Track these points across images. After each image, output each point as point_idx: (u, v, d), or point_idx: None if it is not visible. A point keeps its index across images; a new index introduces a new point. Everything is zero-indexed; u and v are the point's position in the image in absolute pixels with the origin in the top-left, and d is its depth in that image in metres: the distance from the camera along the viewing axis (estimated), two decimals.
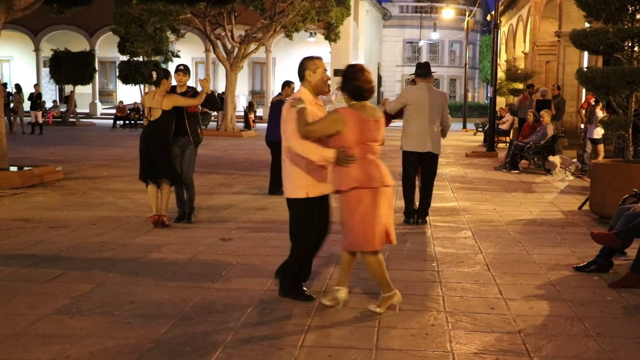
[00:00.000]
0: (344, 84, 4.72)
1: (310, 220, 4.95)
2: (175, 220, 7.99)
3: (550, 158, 13.70)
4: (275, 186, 10.45)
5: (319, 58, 5.01)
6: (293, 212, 4.99)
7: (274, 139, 10.36)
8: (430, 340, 4.33)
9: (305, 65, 4.92)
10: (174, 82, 7.79)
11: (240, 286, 5.46)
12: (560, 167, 13.65)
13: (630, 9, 8.55)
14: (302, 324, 4.57)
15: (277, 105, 10.33)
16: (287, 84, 10.63)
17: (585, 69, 9.59)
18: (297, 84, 10.87)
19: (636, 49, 8.69)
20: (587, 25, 12.91)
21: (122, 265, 6.08)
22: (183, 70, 7.89)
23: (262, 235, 7.45)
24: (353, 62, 5.08)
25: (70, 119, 30.00)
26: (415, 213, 8.31)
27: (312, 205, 4.91)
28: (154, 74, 7.56)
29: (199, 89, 7.89)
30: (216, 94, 11.59)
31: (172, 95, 7.58)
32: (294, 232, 5.03)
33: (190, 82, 8.49)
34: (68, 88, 34.97)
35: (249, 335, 4.35)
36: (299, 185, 4.85)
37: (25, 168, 11.71)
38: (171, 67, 25.01)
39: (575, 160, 13.87)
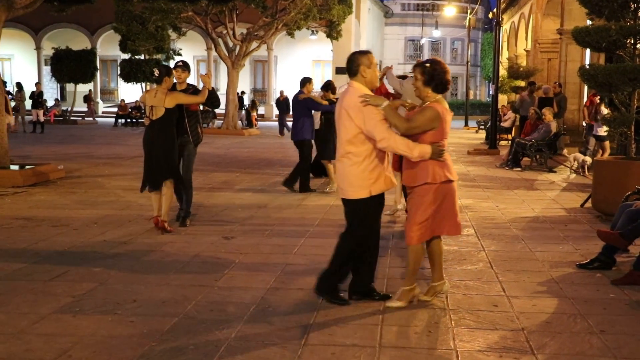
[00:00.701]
0: (433, 78, 4.74)
1: (371, 217, 4.94)
2: (176, 218, 7.87)
3: (566, 152, 13.61)
4: (306, 184, 10.44)
5: (370, 53, 4.99)
6: (354, 212, 4.91)
7: (302, 138, 10.36)
8: (434, 338, 4.33)
9: (360, 61, 4.84)
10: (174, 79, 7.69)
11: (243, 284, 5.45)
12: (574, 162, 13.57)
13: (633, 6, 8.53)
14: (306, 322, 4.56)
15: (303, 103, 10.31)
16: (307, 81, 10.57)
17: (587, 67, 9.56)
18: (294, 79, 10.78)
19: (638, 46, 8.67)
20: (589, 22, 12.88)
21: (125, 263, 6.07)
22: (182, 66, 7.73)
23: (265, 234, 7.45)
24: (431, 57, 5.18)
25: (87, 119, 29.71)
26: None
27: (373, 203, 4.90)
28: (156, 72, 7.40)
29: (200, 85, 7.81)
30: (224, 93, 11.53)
31: (175, 92, 7.43)
32: (352, 232, 4.95)
33: (191, 79, 8.37)
34: (69, 86, 35.00)
35: (252, 333, 4.35)
36: (361, 185, 4.80)
37: (27, 166, 11.70)
38: (173, 65, 24.97)
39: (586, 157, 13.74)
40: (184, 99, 7.46)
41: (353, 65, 4.86)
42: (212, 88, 7.72)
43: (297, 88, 10.71)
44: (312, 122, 10.41)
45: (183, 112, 7.58)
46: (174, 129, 7.44)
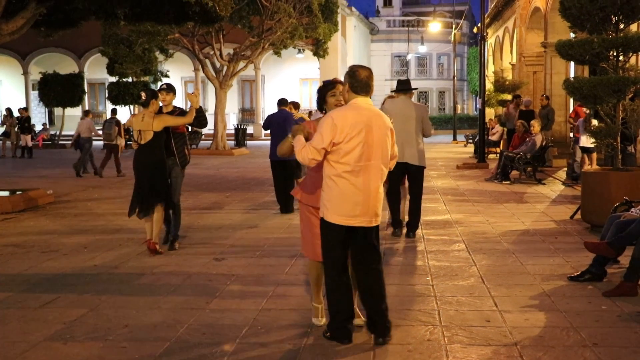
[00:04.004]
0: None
1: None
2: (164, 241, 7.77)
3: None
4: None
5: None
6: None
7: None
8: (427, 355, 4.32)
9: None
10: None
11: (235, 306, 5.43)
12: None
13: (614, 19, 8.63)
14: (299, 344, 4.54)
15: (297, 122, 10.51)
16: (288, 102, 10.77)
17: (572, 79, 9.65)
18: (287, 98, 10.82)
19: (621, 58, 8.76)
20: (572, 35, 13.02)
21: (115, 288, 6.04)
22: (166, 89, 7.62)
23: (256, 254, 7.43)
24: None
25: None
26: (406, 225, 8.35)
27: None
28: (143, 95, 7.36)
29: (188, 104, 7.73)
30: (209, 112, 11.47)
31: (162, 115, 7.39)
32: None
33: (179, 100, 8.32)
34: (58, 110, 34.91)
35: (245, 357, 4.32)
36: None
37: (16, 192, 11.64)
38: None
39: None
40: (171, 121, 7.41)
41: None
42: (200, 107, 7.64)
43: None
44: None
45: (170, 134, 7.53)
46: (163, 152, 7.39)
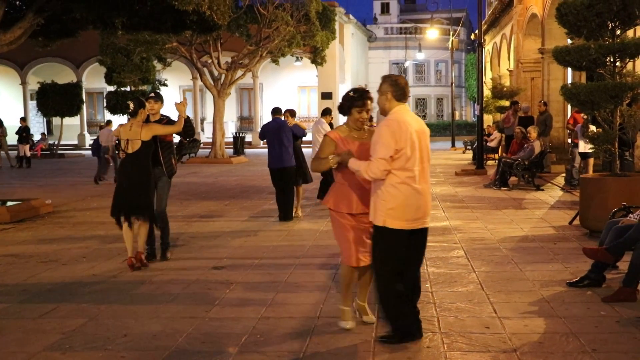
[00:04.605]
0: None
1: None
2: (146, 258, 7.44)
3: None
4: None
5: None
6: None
7: (291, 164, 10.54)
8: None
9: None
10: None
11: (234, 314, 5.42)
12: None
13: (610, 25, 8.66)
14: (298, 351, 4.54)
15: (292, 130, 10.61)
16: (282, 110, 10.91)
17: (569, 85, 9.67)
18: (281, 106, 10.87)
19: (618, 64, 8.79)
20: (569, 41, 13.05)
21: (114, 297, 6.03)
22: (154, 97, 7.56)
23: (255, 262, 7.42)
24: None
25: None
26: None
27: None
28: (131, 104, 7.22)
29: (177, 114, 7.65)
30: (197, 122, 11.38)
31: (151, 124, 7.27)
32: None
33: (170, 109, 8.19)
34: (56, 120, 34.91)
35: None
36: None
37: (14, 202, 11.63)
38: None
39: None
40: (160, 130, 7.29)
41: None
42: (187, 117, 7.57)
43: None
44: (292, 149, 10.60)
45: (157, 143, 7.40)
46: (149, 162, 7.25)
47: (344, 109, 4.94)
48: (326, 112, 12.31)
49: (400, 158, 4.48)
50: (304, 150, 11.43)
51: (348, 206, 4.87)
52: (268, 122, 10.72)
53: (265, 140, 10.74)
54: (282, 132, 10.34)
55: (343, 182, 4.93)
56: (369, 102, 4.87)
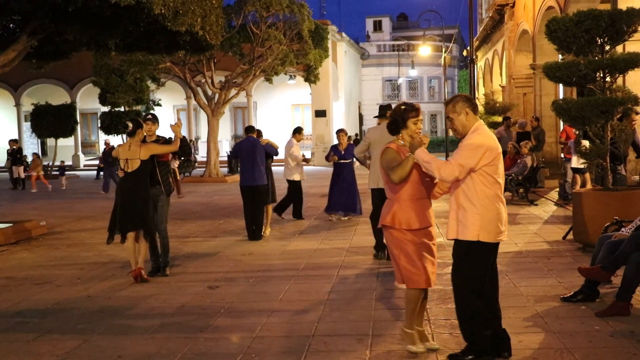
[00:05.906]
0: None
1: None
2: (149, 273, 7.72)
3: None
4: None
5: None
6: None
7: (263, 182, 10.53)
8: None
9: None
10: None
11: (229, 334, 5.42)
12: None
13: (599, 41, 8.74)
14: None
15: (265, 149, 10.64)
16: (255, 129, 11.11)
17: (560, 101, 9.74)
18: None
19: (608, 79, 8.87)
20: (560, 57, 13.16)
21: (109, 319, 6.02)
22: (152, 119, 7.88)
23: (250, 281, 7.42)
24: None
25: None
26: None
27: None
28: (129, 124, 7.54)
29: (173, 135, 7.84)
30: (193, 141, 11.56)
31: (149, 144, 7.57)
32: None
33: (166, 130, 8.35)
34: (50, 141, 34.87)
35: None
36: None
37: (8, 224, 11.58)
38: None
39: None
40: (158, 149, 7.61)
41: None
42: (183, 137, 7.85)
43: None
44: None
45: (155, 162, 7.65)
46: (147, 180, 7.52)
47: (397, 123, 4.85)
48: (297, 131, 12.57)
49: (494, 173, 4.48)
50: (273, 169, 11.48)
51: (409, 222, 4.74)
52: (241, 141, 10.86)
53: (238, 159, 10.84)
54: (256, 150, 10.44)
55: (404, 198, 4.78)
56: (420, 112, 4.87)
